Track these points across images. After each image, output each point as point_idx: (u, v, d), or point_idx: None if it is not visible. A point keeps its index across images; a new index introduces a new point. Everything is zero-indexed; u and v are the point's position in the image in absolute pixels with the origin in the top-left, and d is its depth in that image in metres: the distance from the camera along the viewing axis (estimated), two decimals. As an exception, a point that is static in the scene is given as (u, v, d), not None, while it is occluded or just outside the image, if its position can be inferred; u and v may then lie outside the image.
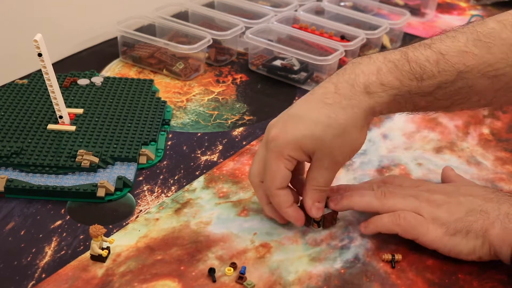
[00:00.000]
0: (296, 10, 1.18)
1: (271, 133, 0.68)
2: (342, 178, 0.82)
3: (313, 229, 0.73)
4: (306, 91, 1.03)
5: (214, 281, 0.65)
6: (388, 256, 0.69)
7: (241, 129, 0.92)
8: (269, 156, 0.68)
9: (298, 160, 0.69)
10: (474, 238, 0.66)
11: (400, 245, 0.71)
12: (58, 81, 0.88)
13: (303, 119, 0.67)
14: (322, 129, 0.66)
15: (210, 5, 1.22)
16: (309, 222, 0.73)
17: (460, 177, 0.79)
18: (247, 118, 0.95)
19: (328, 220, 0.73)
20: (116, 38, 1.10)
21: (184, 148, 0.87)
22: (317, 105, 0.67)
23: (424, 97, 0.67)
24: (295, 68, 1.04)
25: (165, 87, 1.02)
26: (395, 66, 0.66)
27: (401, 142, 0.91)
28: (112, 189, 0.77)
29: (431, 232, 0.67)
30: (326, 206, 0.73)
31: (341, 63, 1.08)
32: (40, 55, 0.78)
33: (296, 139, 0.66)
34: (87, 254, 0.68)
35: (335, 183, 0.74)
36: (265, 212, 0.73)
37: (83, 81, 0.98)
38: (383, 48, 1.17)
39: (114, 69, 1.07)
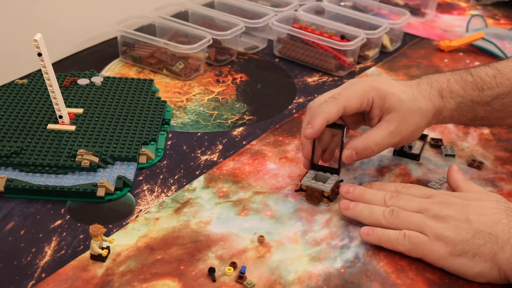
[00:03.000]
0: (296, 10, 1.18)
1: (367, 78, 0.81)
2: (342, 178, 0.81)
3: (324, 205, 0.76)
4: (305, 91, 1.03)
5: (214, 280, 0.65)
6: None
7: (241, 129, 0.92)
8: (357, 87, 0.76)
9: (371, 111, 0.77)
10: (482, 262, 0.65)
11: (400, 245, 0.71)
12: (58, 81, 0.88)
13: (394, 84, 0.78)
14: (407, 98, 0.76)
15: (210, 5, 1.22)
16: (319, 199, 0.76)
17: (469, 184, 0.76)
18: (247, 118, 0.95)
19: (335, 193, 0.77)
20: (116, 38, 1.10)
21: (184, 147, 0.87)
22: (404, 84, 0.79)
23: (483, 106, 0.79)
24: None
25: (165, 87, 1.02)
26: (460, 77, 0.79)
27: (401, 142, 0.91)
28: (112, 188, 0.77)
29: (435, 251, 0.67)
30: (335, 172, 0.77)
31: (341, 63, 1.08)
32: (40, 55, 0.78)
33: (387, 90, 0.76)
34: (87, 254, 0.68)
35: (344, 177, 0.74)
36: (302, 137, 0.78)
37: (83, 81, 0.98)
38: (383, 48, 1.17)
39: (114, 69, 1.07)
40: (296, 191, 0.78)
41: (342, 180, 0.79)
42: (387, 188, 0.76)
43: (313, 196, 0.77)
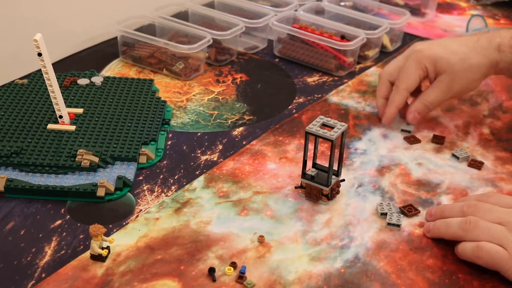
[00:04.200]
0: (296, 10, 1.18)
1: (417, 47, 0.90)
2: (343, 177, 0.81)
3: (322, 203, 0.77)
4: (305, 91, 1.03)
5: (214, 280, 0.65)
6: None
7: (241, 128, 0.92)
8: (409, 62, 0.89)
9: (428, 75, 0.89)
10: None
11: (400, 245, 0.71)
12: (58, 81, 0.88)
13: (445, 46, 0.89)
14: (456, 59, 0.87)
15: (210, 5, 1.23)
16: (318, 197, 0.77)
17: None
18: (247, 118, 0.95)
19: (335, 192, 0.78)
20: (116, 38, 1.10)
21: (184, 147, 0.87)
22: (460, 43, 0.90)
23: None
24: None
25: (165, 87, 1.02)
26: None
27: (401, 142, 0.91)
28: (112, 188, 0.77)
29: None
30: (336, 175, 0.78)
31: (341, 63, 1.08)
32: (40, 55, 0.78)
33: (436, 56, 0.88)
34: (87, 254, 0.68)
35: (346, 176, 0.74)
36: (377, 103, 0.94)
37: (83, 81, 0.98)
38: (383, 48, 1.17)
39: (114, 69, 1.07)
40: (296, 187, 0.78)
41: (343, 180, 0.79)
42: (468, 198, 0.74)
43: (312, 194, 0.77)
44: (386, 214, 0.75)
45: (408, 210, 0.76)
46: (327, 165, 0.77)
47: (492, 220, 0.67)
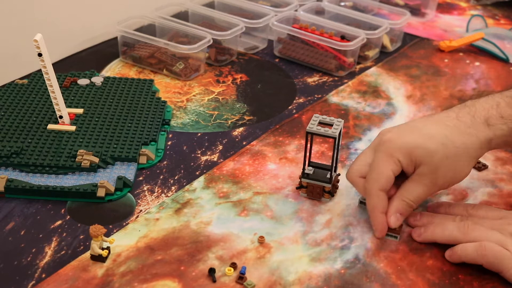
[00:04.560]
0: (296, 10, 1.18)
1: (385, 136, 0.71)
2: (342, 178, 0.81)
3: (325, 200, 0.77)
4: (305, 91, 1.03)
5: (214, 281, 0.65)
6: None
7: (241, 129, 0.92)
8: (379, 157, 0.70)
9: (402, 169, 0.70)
10: None
11: (400, 245, 0.71)
12: (58, 81, 0.88)
13: (420, 130, 0.70)
14: (436, 145, 0.68)
15: (210, 5, 1.22)
16: (321, 195, 0.76)
17: None
18: (247, 118, 0.95)
19: (336, 187, 0.78)
20: (116, 38, 1.10)
21: (184, 148, 0.87)
22: (437, 123, 0.71)
23: None
24: None
25: (165, 87, 1.02)
26: None
27: (401, 142, 0.90)
28: (112, 189, 0.77)
29: None
30: (334, 171, 0.77)
31: (342, 63, 1.08)
32: (40, 55, 0.78)
33: (409, 146, 0.69)
34: (87, 254, 0.68)
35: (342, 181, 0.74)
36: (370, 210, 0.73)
37: (83, 81, 0.98)
38: (383, 48, 1.17)
39: (114, 69, 1.07)
40: (297, 188, 0.78)
41: (339, 174, 0.80)
42: (455, 209, 0.74)
43: (314, 192, 0.77)
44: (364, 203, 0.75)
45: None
46: (323, 162, 0.77)
47: (485, 230, 0.68)
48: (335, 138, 0.73)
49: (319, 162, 0.81)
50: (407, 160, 0.69)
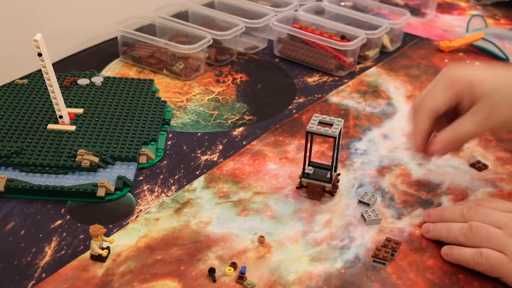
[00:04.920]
0: (296, 10, 1.18)
1: (449, 71, 0.73)
2: (342, 178, 0.81)
3: (326, 199, 0.77)
4: (305, 91, 1.03)
5: (214, 281, 0.65)
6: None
7: (241, 129, 0.92)
8: (439, 84, 0.72)
9: (460, 104, 0.71)
10: None
11: (400, 245, 0.71)
12: (58, 81, 0.88)
13: (485, 70, 0.72)
14: (499, 85, 0.69)
15: (210, 5, 1.22)
16: (321, 194, 0.76)
17: None
18: (247, 118, 0.95)
19: (336, 187, 0.78)
20: (116, 38, 1.10)
21: (184, 148, 0.87)
22: (504, 67, 0.74)
23: None
24: None
25: (165, 87, 1.02)
26: None
27: (402, 142, 0.90)
28: (112, 188, 0.77)
29: None
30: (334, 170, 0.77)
31: (341, 63, 1.08)
32: (40, 55, 0.78)
33: (473, 79, 0.70)
34: (87, 254, 0.68)
35: (343, 179, 0.74)
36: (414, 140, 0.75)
37: (83, 81, 0.98)
38: (383, 48, 1.17)
39: (114, 69, 1.07)
40: (297, 187, 0.78)
41: (339, 174, 0.80)
42: (467, 203, 0.74)
43: (314, 192, 0.77)
44: (366, 204, 0.75)
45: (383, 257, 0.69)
46: (323, 162, 0.77)
47: (491, 223, 0.68)
48: (335, 138, 0.73)
49: (319, 161, 0.81)
50: (468, 93, 0.70)
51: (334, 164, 0.76)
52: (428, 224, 0.73)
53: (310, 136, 0.75)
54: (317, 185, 0.77)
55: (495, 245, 0.66)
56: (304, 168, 0.77)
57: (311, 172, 0.77)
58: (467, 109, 0.72)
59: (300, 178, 0.78)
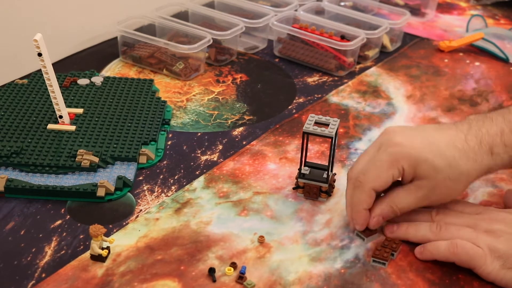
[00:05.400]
0: (296, 10, 1.18)
1: (396, 139, 0.68)
2: (343, 178, 0.81)
3: (322, 199, 0.77)
4: (305, 91, 1.03)
5: (214, 281, 0.65)
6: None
7: (241, 129, 0.92)
8: (383, 158, 0.68)
9: (403, 176, 0.69)
10: None
11: (400, 245, 0.71)
12: (58, 81, 0.88)
13: (431, 145, 0.68)
14: (444, 165, 0.67)
15: (210, 5, 1.22)
16: (317, 195, 0.77)
17: None
18: (247, 118, 0.95)
19: (332, 187, 0.78)
20: (116, 38, 1.10)
21: (184, 148, 0.87)
22: (448, 141, 0.68)
23: None
24: None
25: (165, 87, 1.02)
26: None
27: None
28: (112, 188, 0.77)
29: (488, 264, 0.65)
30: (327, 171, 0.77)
31: (341, 63, 1.08)
32: (40, 55, 0.78)
33: (418, 157, 0.67)
34: (87, 254, 0.68)
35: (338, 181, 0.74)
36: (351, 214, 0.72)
37: (83, 81, 0.98)
38: (383, 48, 1.17)
39: (114, 69, 1.07)
40: (294, 188, 0.78)
41: (335, 174, 0.80)
42: (433, 208, 0.74)
43: (311, 192, 0.77)
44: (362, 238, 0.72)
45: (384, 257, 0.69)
46: (323, 162, 0.77)
47: (460, 224, 0.69)
48: (332, 138, 0.73)
49: (319, 162, 0.81)
50: (411, 170, 0.68)
51: (331, 164, 0.76)
52: (392, 224, 0.72)
53: (306, 136, 0.75)
54: (314, 185, 0.77)
55: (467, 239, 0.67)
56: (300, 169, 0.77)
57: (307, 172, 0.77)
58: (405, 180, 0.69)
59: (297, 178, 0.78)
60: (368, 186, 0.69)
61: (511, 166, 0.71)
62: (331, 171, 0.78)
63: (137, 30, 1.09)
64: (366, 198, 0.69)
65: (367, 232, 0.72)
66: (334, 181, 0.79)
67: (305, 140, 0.75)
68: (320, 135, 0.74)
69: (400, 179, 0.70)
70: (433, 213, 0.72)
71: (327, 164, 0.78)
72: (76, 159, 0.79)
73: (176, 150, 0.87)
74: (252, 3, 1.21)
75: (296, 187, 0.78)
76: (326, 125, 0.74)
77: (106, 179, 0.78)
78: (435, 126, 0.72)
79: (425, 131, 0.70)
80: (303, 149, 0.76)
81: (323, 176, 0.77)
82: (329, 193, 0.77)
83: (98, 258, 0.67)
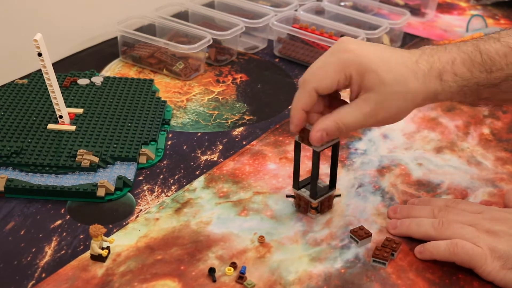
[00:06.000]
0: (296, 10, 1.18)
1: (349, 46, 0.67)
2: (343, 178, 0.81)
3: (311, 216, 0.74)
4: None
5: (214, 281, 0.65)
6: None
7: (241, 129, 0.92)
8: (332, 61, 0.67)
9: (350, 86, 0.67)
10: None
11: (401, 245, 0.71)
12: (58, 81, 0.88)
13: (382, 58, 0.67)
14: (391, 78, 0.66)
15: (210, 5, 1.22)
16: (307, 210, 0.74)
17: None
18: (247, 118, 0.95)
19: (325, 206, 0.75)
20: (116, 38, 1.10)
21: (184, 147, 0.87)
22: (400, 60, 0.67)
23: (489, 88, 0.68)
24: None
25: (165, 87, 1.02)
26: (468, 58, 0.68)
27: (402, 142, 0.90)
28: (112, 188, 0.77)
29: (488, 264, 0.65)
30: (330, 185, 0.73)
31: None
32: (40, 55, 0.78)
33: (368, 66, 0.65)
34: (87, 254, 0.68)
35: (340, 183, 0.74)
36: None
37: (83, 81, 0.98)
38: (383, 48, 1.17)
39: (114, 69, 1.07)
40: (287, 196, 0.77)
41: (339, 195, 0.77)
42: (436, 203, 0.75)
43: (301, 205, 0.75)
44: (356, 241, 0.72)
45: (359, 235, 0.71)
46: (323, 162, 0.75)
47: (462, 223, 0.69)
48: (317, 152, 0.70)
49: (323, 164, 0.80)
50: (358, 78, 0.66)
51: (318, 180, 0.73)
52: (395, 220, 0.73)
53: (299, 146, 0.72)
54: (304, 199, 0.74)
55: (467, 238, 0.67)
56: (295, 178, 0.74)
57: (306, 183, 0.75)
58: (352, 92, 0.68)
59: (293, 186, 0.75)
60: (311, 85, 0.66)
61: (459, 99, 0.70)
62: (334, 186, 0.75)
63: (137, 30, 1.09)
64: (306, 97, 0.67)
65: (360, 235, 0.71)
66: (331, 200, 0.76)
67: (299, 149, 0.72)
68: (311, 146, 0.70)
69: (346, 88, 0.68)
70: (436, 210, 0.72)
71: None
72: (76, 159, 0.79)
73: (176, 150, 0.87)
74: (252, 3, 1.21)
75: (290, 196, 0.77)
76: None
77: (106, 179, 0.78)
78: (390, 47, 0.71)
79: (379, 47, 0.69)
80: (295, 159, 0.73)
81: (315, 192, 0.73)
82: (319, 210, 0.75)
83: (98, 258, 0.67)
